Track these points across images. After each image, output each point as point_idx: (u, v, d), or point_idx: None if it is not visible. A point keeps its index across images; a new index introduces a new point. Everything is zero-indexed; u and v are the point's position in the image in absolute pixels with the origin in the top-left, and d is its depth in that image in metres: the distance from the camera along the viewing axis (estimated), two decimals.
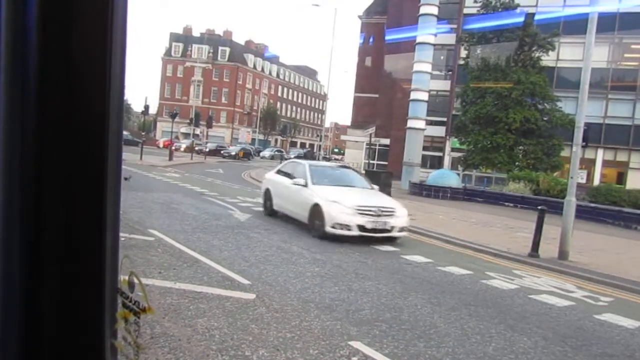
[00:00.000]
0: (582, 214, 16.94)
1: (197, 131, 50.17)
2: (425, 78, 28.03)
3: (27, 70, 0.87)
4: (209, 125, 45.32)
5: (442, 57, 40.45)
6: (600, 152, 35.29)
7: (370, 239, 9.93)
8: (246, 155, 49.70)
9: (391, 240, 10.30)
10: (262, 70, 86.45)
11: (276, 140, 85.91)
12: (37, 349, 0.92)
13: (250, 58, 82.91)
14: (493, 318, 6.11)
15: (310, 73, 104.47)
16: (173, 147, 38.55)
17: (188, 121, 46.89)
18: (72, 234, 0.91)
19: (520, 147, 29.99)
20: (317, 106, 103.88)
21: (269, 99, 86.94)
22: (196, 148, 43.63)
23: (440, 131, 39.25)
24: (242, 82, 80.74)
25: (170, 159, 32.70)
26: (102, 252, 0.95)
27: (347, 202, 9.95)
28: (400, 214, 10.39)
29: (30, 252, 0.89)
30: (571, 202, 10.83)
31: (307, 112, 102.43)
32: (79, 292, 0.93)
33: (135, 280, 1.08)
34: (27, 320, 0.91)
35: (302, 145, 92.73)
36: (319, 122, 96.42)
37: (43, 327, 0.91)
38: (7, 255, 0.90)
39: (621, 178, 34.73)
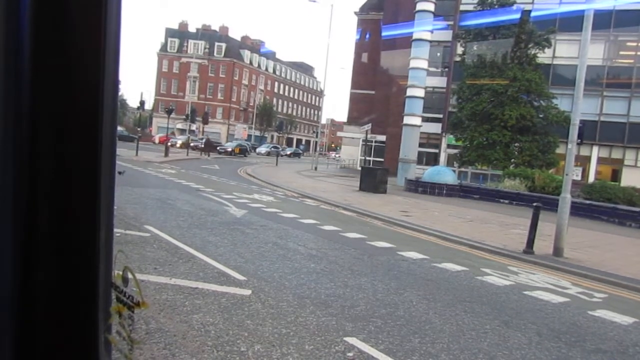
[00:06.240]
0: (577, 210, 17.02)
1: (193, 127, 49.99)
2: (421, 74, 27.99)
3: (20, 65, 0.87)
4: (205, 122, 45.23)
5: (438, 54, 40.48)
6: (595, 149, 35.43)
7: None
8: (242, 151, 49.63)
9: None
10: (259, 66, 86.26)
11: (272, 137, 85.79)
12: (31, 343, 0.91)
13: (246, 54, 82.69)
14: (488, 314, 6.14)
15: (307, 69, 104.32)
16: (169, 143, 38.46)
17: (184, 117, 46.71)
18: (65, 229, 0.91)
19: (516, 144, 30.06)
20: (313, 102, 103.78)
21: (265, 95, 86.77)
22: (192, 144, 43.59)
23: (436, 128, 39.31)
24: (238, 78, 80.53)
25: (166, 155, 32.64)
26: (96, 246, 0.94)
27: None
28: None
29: (23, 247, 0.89)
30: (566, 198, 10.87)
31: (304, 108, 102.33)
32: (72, 287, 0.93)
33: (130, 275, 1.08)
34: (21, 315, 0.91)
35: (299, 142, 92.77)
36: (315, 119, 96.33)
37: (37, 321, 0.91)
38: (0, 249, 0.89)
39: (616, 175, 34.89)
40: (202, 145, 44.00)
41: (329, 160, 58.02)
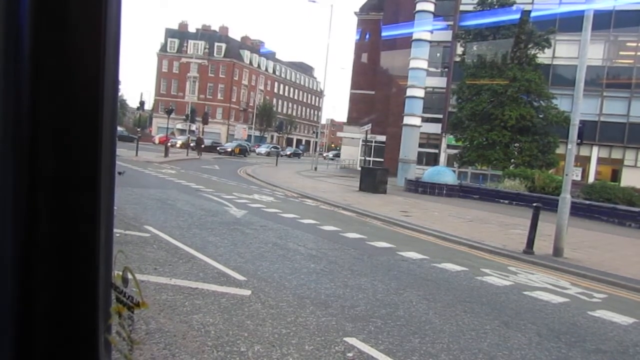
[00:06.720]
0: (577, 211, 17.03)
1: (193, 127, 50.00)
2: (421, 75, 27.99)
3: (20, 65, 0.87)
4: (205, 122, 45.19)
5: (438, 54, 40.48)
6: (595, 149, 35.43)
7: None
8: (242, 151, 49.65)
9: None
10: (259, 66, 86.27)
11: (272, 137, 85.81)
12: (31, 343, 0.91)
13: (246, 54, 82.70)
14: (488, 314, 6.14)
15: (307, 69, 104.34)
16: (169, 144, 38.44)
17: (184, 117, 46.72)
18: (65, 229, 0.91)
19: (516, 144, 30.06)
20: (313, 103, 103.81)
21: (265, 96, 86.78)
22: (192, 144, 43.54)
23: (436, 128, 39.32)
24: (238, 78, 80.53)
25: (166, 155, 32.63)
26: (96, 246, 0.94)
27: None
28: None
29: (23, 247, 0.89)
30: (566, 199, 10.87)
31: (304, 108, 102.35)
32: (72, 287, 0.93)
33: (129, 276, 1.08)
34: (20, 315, 0.91)
35: (298, 142, 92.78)
36: (315, 119, 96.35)
37: (37, 322, 0.91)
38: (0, 249, 0.89)
39: (616, 175, 34.90)
40: (194, 144, 41.98)
41: (326, 160, 58.16)
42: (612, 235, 15.29)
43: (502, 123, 28.85)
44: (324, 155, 73.73)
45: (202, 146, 42.42)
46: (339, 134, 57.86)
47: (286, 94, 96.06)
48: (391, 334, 5.05)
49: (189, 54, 75.96)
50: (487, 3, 30.78)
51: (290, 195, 18.35)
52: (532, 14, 31.58)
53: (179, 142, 49.56)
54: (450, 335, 5.23)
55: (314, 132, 78.64)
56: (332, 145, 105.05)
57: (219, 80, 78.60)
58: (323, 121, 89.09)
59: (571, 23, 28.52)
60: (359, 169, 30.73)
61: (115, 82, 0.97)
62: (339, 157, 70.57)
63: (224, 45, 78.56)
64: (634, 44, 35.72)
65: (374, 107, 44.37)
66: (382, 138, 41.63)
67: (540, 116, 29.53)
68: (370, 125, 31.61)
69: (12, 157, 0.88)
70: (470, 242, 11.15)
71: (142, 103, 41.18)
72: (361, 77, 48.05)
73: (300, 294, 6.07)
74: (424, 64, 28.09)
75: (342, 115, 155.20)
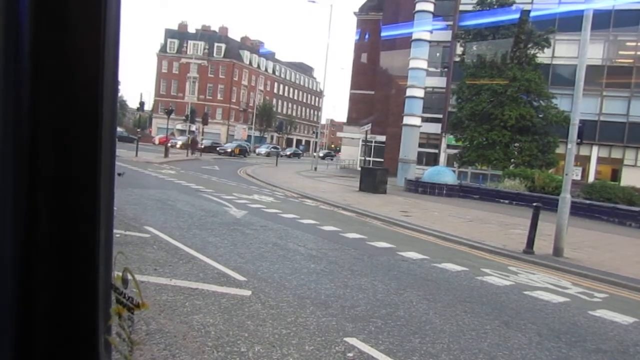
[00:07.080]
0: (577, 210, 17.03)
1: (193, 128, 49.99)
2: (421, 75, 27.98)
3: (20, 65, 0.87)
4: (205, 122, 45.18)
5: (437, 54, 40.50)
6: (595, 149, 35.43)
7: None
8: (242, 152, 49.68)
9: None
10: (258, 66, 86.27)
11: (272, 137, 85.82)
12: (30, 343, 0.91)
13: (246, 54, 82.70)
14: (488, 314, 6.14)
15: (306, 70, 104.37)
16: (169, 144, 38.41)
17: (184, 118, 46.74)
18: (65, 229, 0.91)
19: (516, 144, 30.05)
20: (313, 103, 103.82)
21: (264, 96, 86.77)
22: (189, 143, 43.48)
23: (436, 128, 39.33)
24: (237, 78, 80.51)
25: (166, 155, 32.63)
26: (96, 247, 0.94)
27: None
28: None
29: (23, 247, 0.89)
30: (566, 198, 10.87)
31: (303, 109, 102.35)
32: (72, 288, 0.93)
33: (129, 276, 1.08)
34: (21, 316, 0.91)
35: (298, 143, 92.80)
36: (315, 119, 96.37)
37: (37, 323, 0.91)
38: (0, 249, 0.89)
39: (616, 175, 34.90)
40: (189, 143, 41.94)
41: (320, 160, 58.17)
42: (613, 235, 15.28)
43: (502, 123, 28.84)
44: (315, 154, 73.94)
45: (198, 146, 42.48)
46: (339, 134, 57.87)
47: (286, 94, 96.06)
48: (391, 334, 5.05)
49: (189, 54, 75.92)
50: (486, 3, 30.77)
51: (290, 196, 18.35)
52: (532, 14, 31.55)
53: (179, 143, 49.54)
54: (451, 335, 5.23)
55: (313, 132, 78.73)
56: (332, 146, 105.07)
57: (218, 80, 78.58)
58: (323, 121, 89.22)
59: (571, 23, 28.52)
60: (359, 169, 30.74)
61: (115, 82, 0.97)
62: (330, 156, 70.51)
63: (223, 46, 78.54)
64: (634, 44, 35.74)
65: (374, 107, 44.38)
66: (382, 138, 41.64)
67: (540, 116, 29.52)
68: (370, 125, 31.60)
69: (12, 157, 0.88)
70: (470, 242, 11.15)
71: (142, 103, 41.26)
72: (361, 77, 48.06)
73: (301, 294, 6.07)
74: (423, 64, 28.09)
75: (342, 115, 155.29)
